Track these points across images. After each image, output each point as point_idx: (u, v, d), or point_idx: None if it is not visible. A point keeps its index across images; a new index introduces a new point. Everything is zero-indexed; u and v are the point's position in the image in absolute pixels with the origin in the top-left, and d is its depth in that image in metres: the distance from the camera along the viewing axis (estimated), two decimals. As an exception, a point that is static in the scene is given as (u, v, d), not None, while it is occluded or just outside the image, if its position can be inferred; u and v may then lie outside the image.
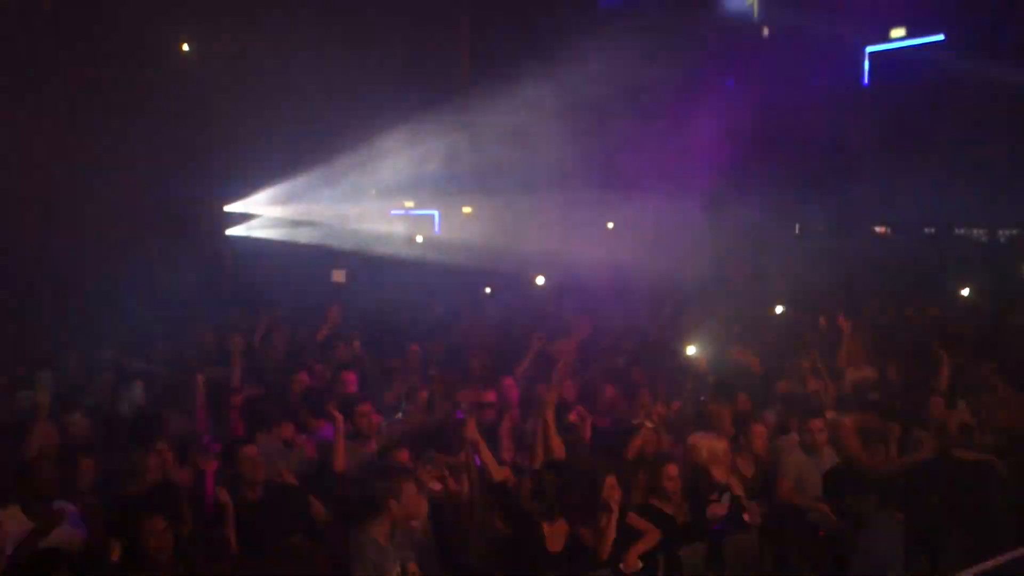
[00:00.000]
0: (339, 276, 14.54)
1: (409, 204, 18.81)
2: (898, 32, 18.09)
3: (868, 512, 5.58)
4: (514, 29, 17.80)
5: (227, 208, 15.72)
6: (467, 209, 19.20)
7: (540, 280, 14.54)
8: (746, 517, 6.23)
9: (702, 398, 7.93)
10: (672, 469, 6.24)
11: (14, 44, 12.54)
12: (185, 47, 15.68)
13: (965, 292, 13.62)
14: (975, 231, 18.11)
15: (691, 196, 16.22)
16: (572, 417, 7.13)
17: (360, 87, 14.27)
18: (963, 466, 7.16)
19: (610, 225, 18.19)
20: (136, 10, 13.80)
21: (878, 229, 18.00)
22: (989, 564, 4.74)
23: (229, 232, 15.81)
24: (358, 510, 4.73)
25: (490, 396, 7.48)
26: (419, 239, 18.37)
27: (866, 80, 17.95)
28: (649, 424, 6.99)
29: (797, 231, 19.16)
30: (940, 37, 17.50)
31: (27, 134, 13.13)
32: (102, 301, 11.39)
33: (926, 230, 17.52)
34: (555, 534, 5.60)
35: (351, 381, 8.08)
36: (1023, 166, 16.11)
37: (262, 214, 15.84)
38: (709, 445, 6.50)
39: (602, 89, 15.80)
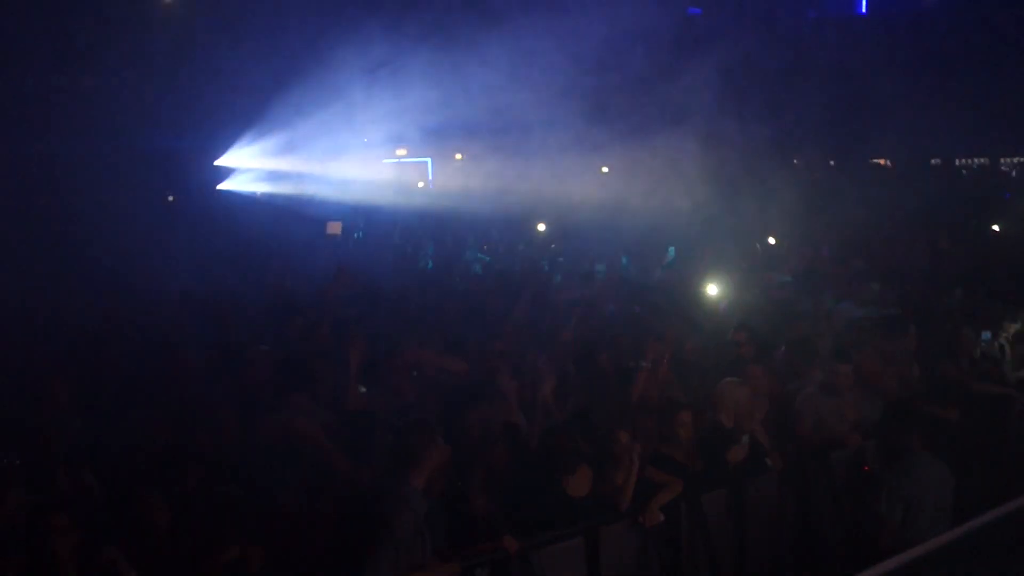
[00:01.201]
0: (334, 228, 14.34)
1: (401, 152, 18.50)
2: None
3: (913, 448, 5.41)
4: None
5: (217, 163, 15.41)
6: (459, 156, 18.89)
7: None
8: (769, 462, 6.13)
9: (733, 339, 7.73)
10: (685, 416, 6.11)
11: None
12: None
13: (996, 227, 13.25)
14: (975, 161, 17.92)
15: (687, 134, 15.91)
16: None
17: (351, 32, 13.89)
18: (982, 400, 7.09)
19: (604, 169, 17.88)
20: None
21: (878, 161, 17.75)
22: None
23: (220, 187, 15.51)
24: (400, 460, 4.65)
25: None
26: (420, 186, 18.16)
27: (863, 8, 17.57)
28: (646, 365, 6.86)
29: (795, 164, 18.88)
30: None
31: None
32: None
33: (933, 161, 17.26)
34: (578, 480, 5.50)
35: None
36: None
37: (252, 167, 15.53)
38: (733, 390, 6.34)
39: (595, 26, 15.42)
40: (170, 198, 15.35)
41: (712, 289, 9.38)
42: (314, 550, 4.85)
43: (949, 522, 5.17)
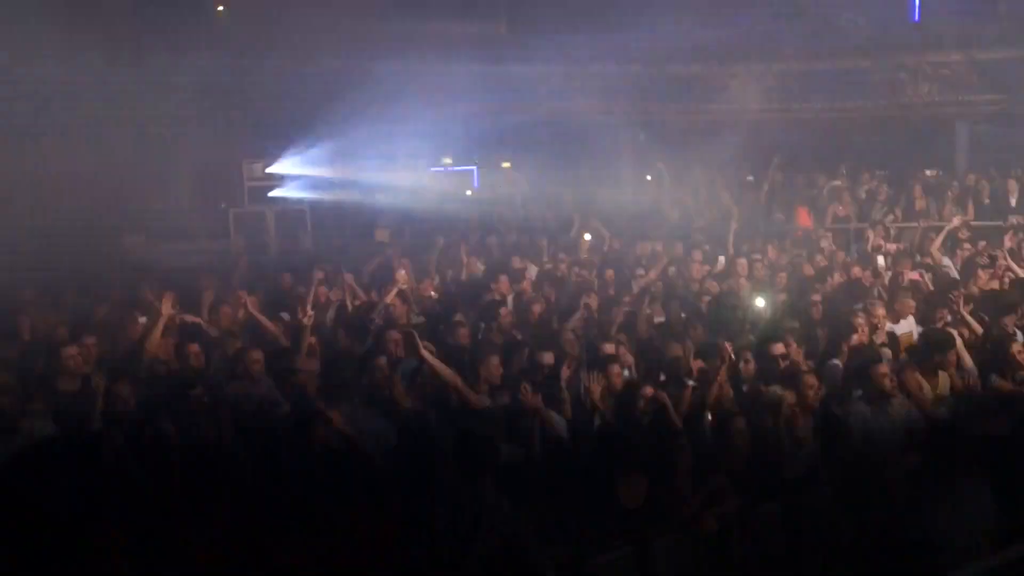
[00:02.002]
0: (382, 235, 14.51)
1: (447, 161, 18.64)
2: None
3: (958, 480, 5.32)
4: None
5: (268, 170, 15.66)
6: (506, 164, 18.97)
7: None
8: (821, 475, 6.08)
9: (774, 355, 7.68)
10: (740, 423, 6.12)
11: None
12: (220, 8, 15.60)
13: None
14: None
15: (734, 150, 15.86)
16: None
17: (398, 43, 14.10)
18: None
19: (648, 177, 17.84)
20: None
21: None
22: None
23: (270, 195, 15.73)
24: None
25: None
26: (468, 193, 18.27)
27: (916, 17, 17.33)
28: (690, 383, 6.87)
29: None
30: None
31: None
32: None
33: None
34: (631, 489, 5.50)
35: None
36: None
37: (301, 175, 15.76)
38: (777, 399, 6.33)
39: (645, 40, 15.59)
40: (223, 205, 15.59)
41: (760, 301, 9.31)
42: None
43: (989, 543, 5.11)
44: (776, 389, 6.64)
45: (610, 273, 11.13)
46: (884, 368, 6.78)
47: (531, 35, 17.19)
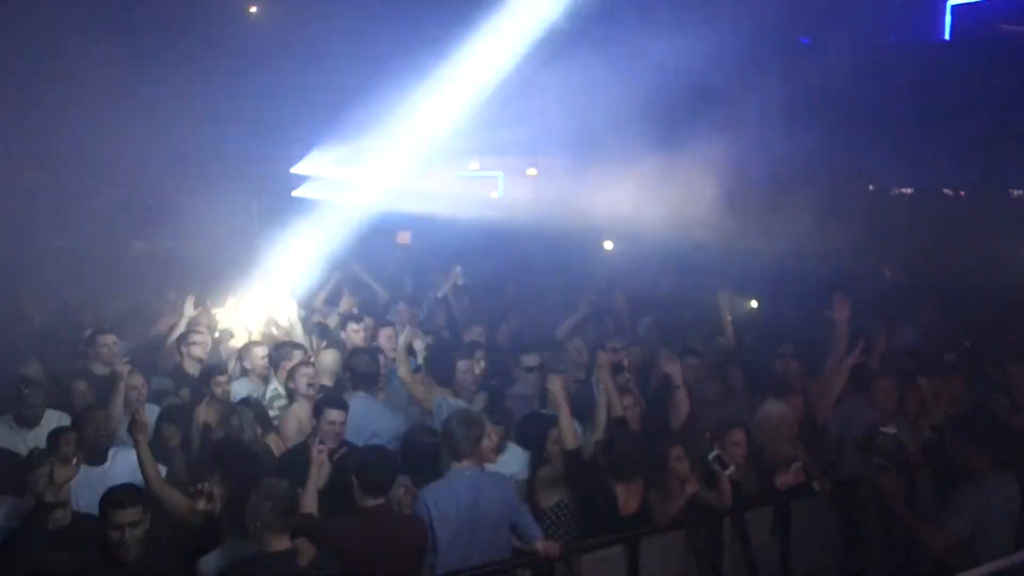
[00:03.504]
0: (404, 237, 14.64)
1: (474, 166, 18.76)
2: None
3: (982, 468, 5.36)
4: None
5: (293, 169, 15.88)
6: (532, 171, 19.05)
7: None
8: (815, 486, 6.10)
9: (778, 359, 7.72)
10: (738, 435, 6.15)
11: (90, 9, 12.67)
12: (252, 9, 15.85)
13: None
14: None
15: (762, 159, 15.73)
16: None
17: (425, 47, 14.20)
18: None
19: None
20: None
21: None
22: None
23: (295, 193, 15.95)
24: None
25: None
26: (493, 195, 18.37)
27: (947, 35, 17.19)
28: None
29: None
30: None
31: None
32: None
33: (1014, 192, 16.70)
34: (630, 495, 5.58)
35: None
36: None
37: (327, 176, 15.94)
38: (780, 412, 6.35)
39: (672, 45, 15.44)
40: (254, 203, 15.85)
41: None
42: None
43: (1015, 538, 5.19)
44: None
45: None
46: (888, 382, 6.79)
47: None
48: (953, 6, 17.54)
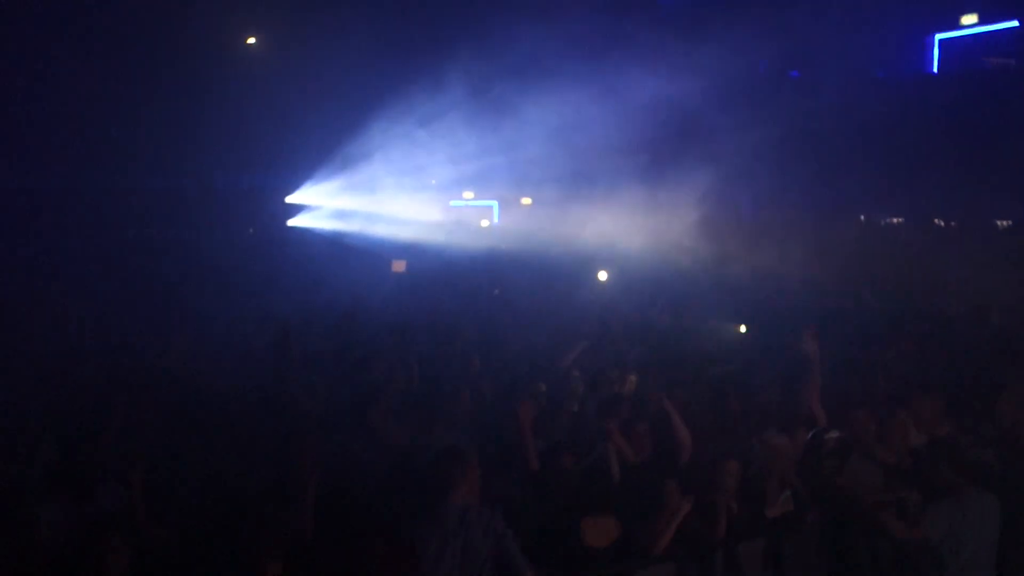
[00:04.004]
0: (399, 266, 14.70)
1: (468, 195, 18.89)
2: (970, 19, 17.54)
3: (964, 489, 5.44)
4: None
5: (288, 199, 15.97)
6: (526, 200, 19.19)
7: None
8: (807, 517, 6.14)
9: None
10: (732, 466, 6.19)
11: (86, 37, 12.81)
12: (251, 40, 15.98)
13: None
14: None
15: (754, 190, 15.92)
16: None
17: (420, 78, 14.35)
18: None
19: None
20: (202, 6, 14.07)
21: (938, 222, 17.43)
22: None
23: (290, 223, 16.04)
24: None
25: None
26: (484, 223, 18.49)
27: (935, 68, 17.45)
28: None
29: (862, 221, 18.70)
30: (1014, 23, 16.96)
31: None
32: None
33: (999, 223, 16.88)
34: (597, 530, 5.60)
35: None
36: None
37: (321, 205, 16.03)
38: (778, 443, 6.40)
39: (662, 80, 15.62)
40: (251, 230, 15.94)
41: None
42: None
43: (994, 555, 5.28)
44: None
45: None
46: (864, 413, 6.83)
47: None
48: (941, 40, 17.82)
